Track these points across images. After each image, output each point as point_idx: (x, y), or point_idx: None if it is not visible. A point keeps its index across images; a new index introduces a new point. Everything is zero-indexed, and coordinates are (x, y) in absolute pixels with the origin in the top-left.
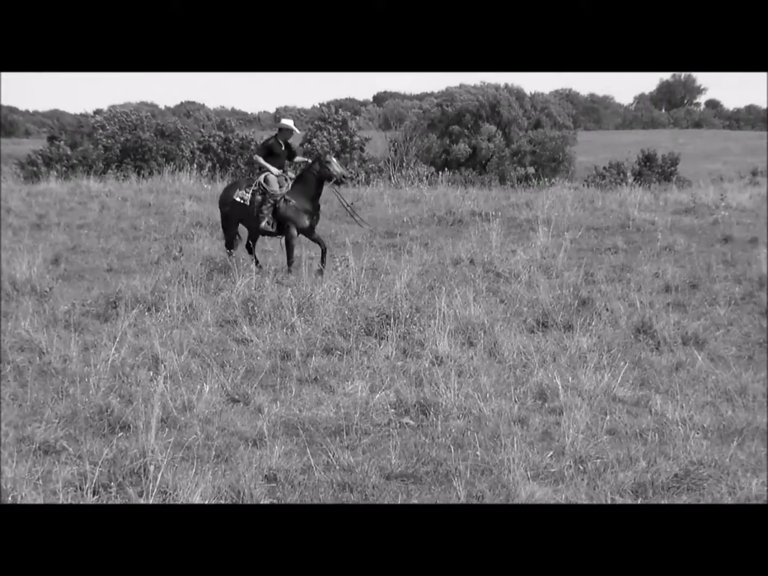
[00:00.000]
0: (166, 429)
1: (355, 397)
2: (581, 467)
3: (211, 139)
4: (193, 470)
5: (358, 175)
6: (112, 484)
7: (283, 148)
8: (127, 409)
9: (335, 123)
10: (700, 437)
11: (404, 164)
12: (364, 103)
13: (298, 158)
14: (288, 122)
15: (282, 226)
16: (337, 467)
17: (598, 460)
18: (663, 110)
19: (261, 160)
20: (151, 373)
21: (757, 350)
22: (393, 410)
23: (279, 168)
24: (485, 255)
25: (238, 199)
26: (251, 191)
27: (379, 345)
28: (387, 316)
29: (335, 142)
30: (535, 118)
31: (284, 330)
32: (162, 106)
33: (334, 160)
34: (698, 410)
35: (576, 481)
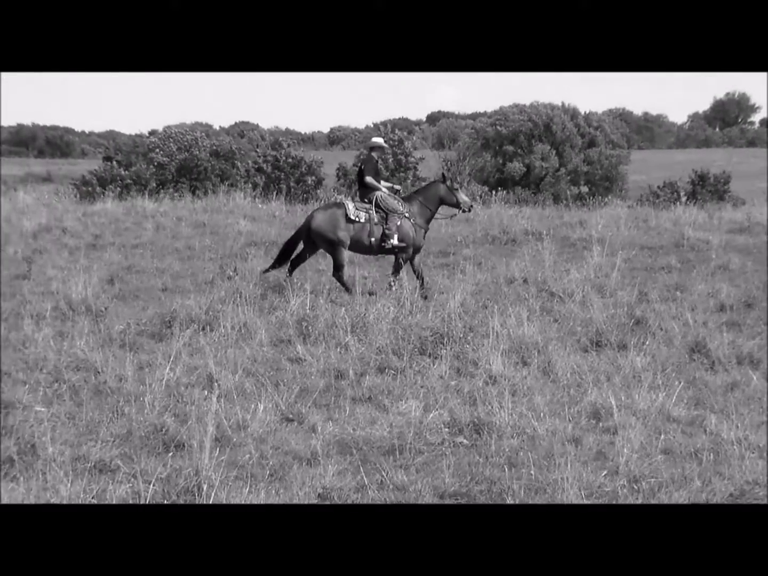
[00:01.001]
0: (221, 448)
1: (409, 417)
2: (635, 486)
3: (261, 160)
4: (247, 489)
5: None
6: (166, 502)
7: (380, 165)
8: (182, 428)
9: (391, 143)
10: (755, 457)
11: (459, 184)
12: (418, 123)
13: (396, 186)
14: (380, 140)
15: (385, 241)
16: (391, 486)
17: (653, 480)
18: (717, 129)
19: (374, 181)
20: (206, 392)
21: None
22: (447, 429)
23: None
24: (539, 274)
25: (353, 217)
26: (366, 210)
27: (433, 364)
28: (440, 336)
29: (390, 161)
30: (589, 137)
31: (338, 349)
32: (216, 127)
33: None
34: (753, 430)
35: (630, 500)
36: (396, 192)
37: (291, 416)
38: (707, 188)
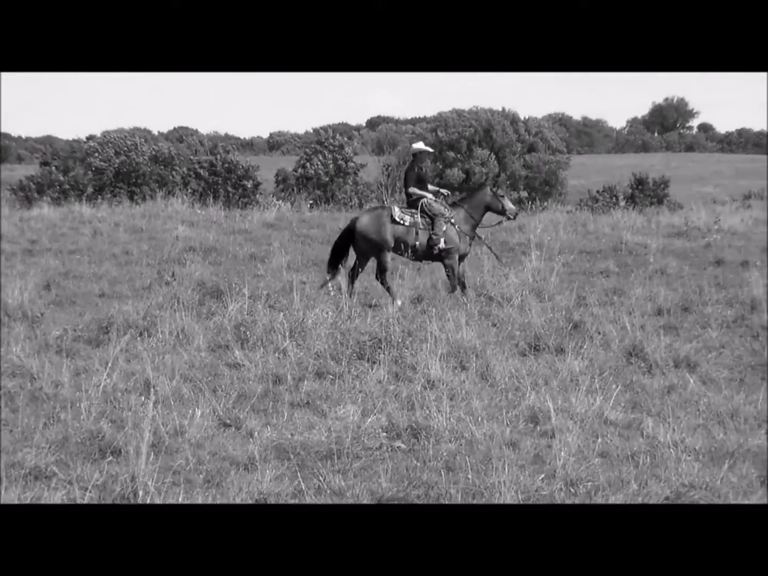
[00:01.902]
0: (157, 454)
1: (347, 421)
2: (572, 490)
3: (197, 165)
4: (183, 494)
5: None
6: None
7: (424, 170)
8: (118, 434)
9: (331, 147)
10: (691, 460)
11: (398, 189)
12: (358, 128)
13: (442, 191)
14: (420, 145)
15: (432, 246)
16: (328, 491)
17: (590, 483)
18: (655, 134)
19: (417, 190)
20: (143, 398)
21: (749, 373)
22: (384, 434)
23: (426, 191)
24: (477, 278)
25: (398, 219)
26: (412, 214)
27: (371, 369)
28: (379, 340)
29: (330, 166)
30: (529, 143)
31: (276, 354)
32: (155, 132)
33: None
34: (690, 433)
35: (567, 504)
36: (444, 197)
37: (228, 422)
38: (646, 193)
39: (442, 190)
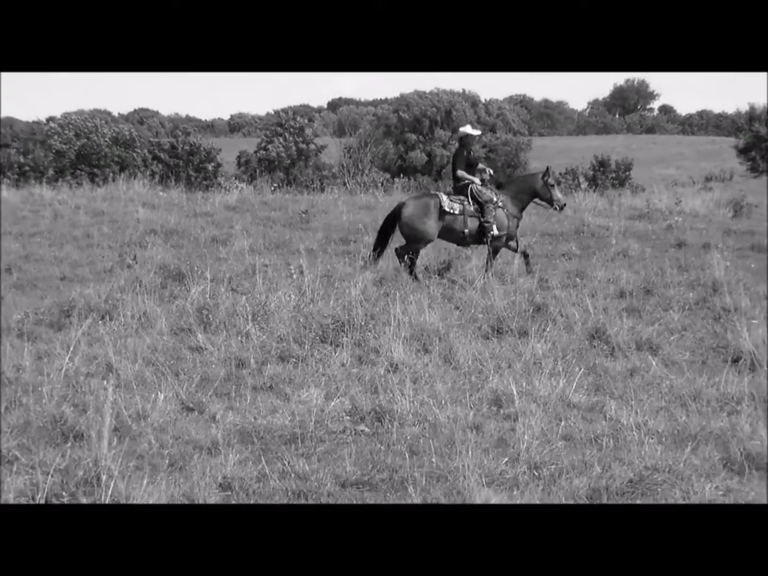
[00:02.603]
0: (120, 438)
1: (310, 405)
2: (536, 473)
3: (158, 148)
4: (146, 479)
5: (312, 182)
6: (65, 493)
7: (473, 154)
8: (81, 418)
9: (292, 130)
10: (654, 442)
11: (359, 171)
12: (319, 110)
13: (480, 166)
14: (467, 128)
15: (485, 233)
16: (292, 475)
17: (553, 466)
18: (617, 116)
19: (465, 174)
20: (105, 382)
21: (711, 355)
22: (348, 417)
23: (473, 175)
24: (440, 261)
25: (447, 209)
26: (461, 201)
27: (334, 352)
28: (342, 324)
29: (292, 149)
30: (490, 124)
31: (239, 338)
32: (115, 114)
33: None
34: (652, 415)
35: (531, 487)
36: (489, 177)
37: (191, 405)
38: (608, 175)
39: (487, 169)
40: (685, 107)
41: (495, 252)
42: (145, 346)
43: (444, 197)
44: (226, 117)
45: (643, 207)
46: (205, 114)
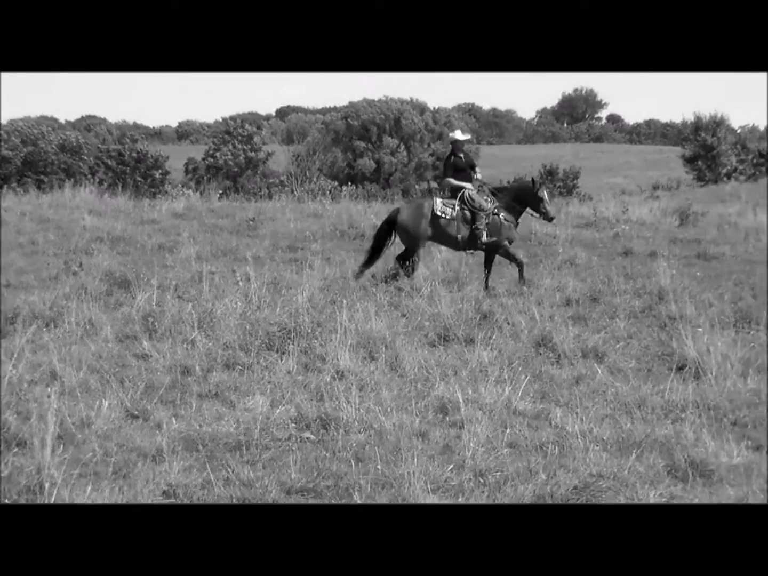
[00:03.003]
0: (64, 445)
1: (256, 412)
2: (481, 480)
3: (105, 155)
4: (90, 486)
5: (261, 190)
6: (7, 501)
7: (463, 159)
8: (24, 426)
9: (240, 137)
10: (599, 450)
11: (307, 179)
12: (267, 118)
13: (478, 170)
14: (456, 134)
15: (477, 239)
16: (237, 482)
17: (498, 473)
18: (565, 124)
19: (453, 181)
20: (49, 389)
21: (656, 363)
22: (294, 425)
23: (467, 181)
24: (387, 269)
25: (439, 212)
26: (454, 207)
27: (281, 360)
28: (288, 331)
29: (241, 157)
30: (438, 132)
31: (185, 345)
32: (62, 120)
33: (547, 196)
34: (598, 423)
35: (476, 494)
36: (482, 185)
37: (136, 413)
38: (556, 183)
39: (477, 176)
40: (632, 116)
41: (507, 255)
42: (90, 354)
43: (438, 201)
44: (174, 124)
45: (590, 215)
46: (153, 121)
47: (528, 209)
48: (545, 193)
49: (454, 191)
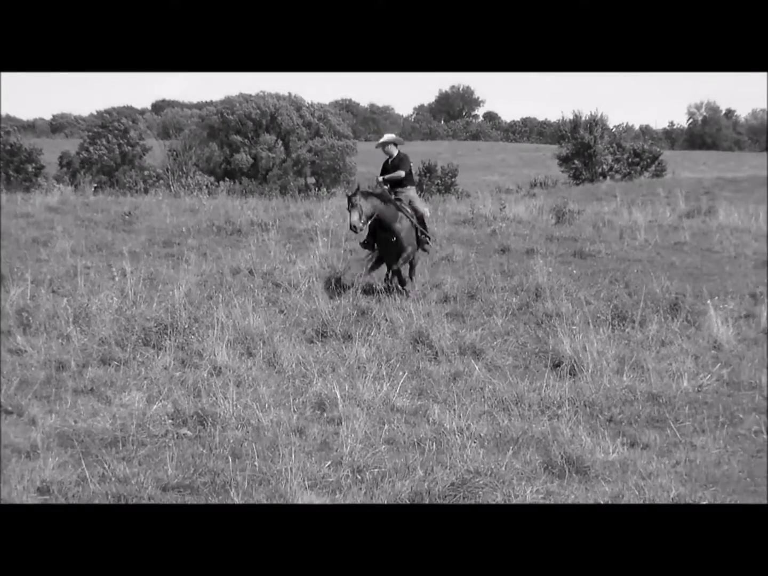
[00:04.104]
0: None
1: (132, 408)
2: (359, 476)
3: None
4: None
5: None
6: None
7: (390, 162)
8: None
9: (116, 132)
10: (476, 446)
11: (184, 174)
12: (142, 112)
13: (399, 172)
14: (382, 138)
15: None
16: (113, 479)
17: (376, 470)
18: (442, 122)
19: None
20: None
21: (533, 360)
22: (170, 421)
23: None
24: (264, 265)
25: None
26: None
27: (157, 355)
28: (165, 327)
29: (116, 151)
30: (315, 128)
31: (59, 340)
32: None
33: (360, 205)
34: (475, 419)
35: (353, 490)
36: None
37: (10, 408)
38: (434, 180)
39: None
40: (509, 114)
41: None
42: None
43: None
44: (48, 117)
45: (467, 213)
46: (26, 114)
47: None
48: (359, 201)
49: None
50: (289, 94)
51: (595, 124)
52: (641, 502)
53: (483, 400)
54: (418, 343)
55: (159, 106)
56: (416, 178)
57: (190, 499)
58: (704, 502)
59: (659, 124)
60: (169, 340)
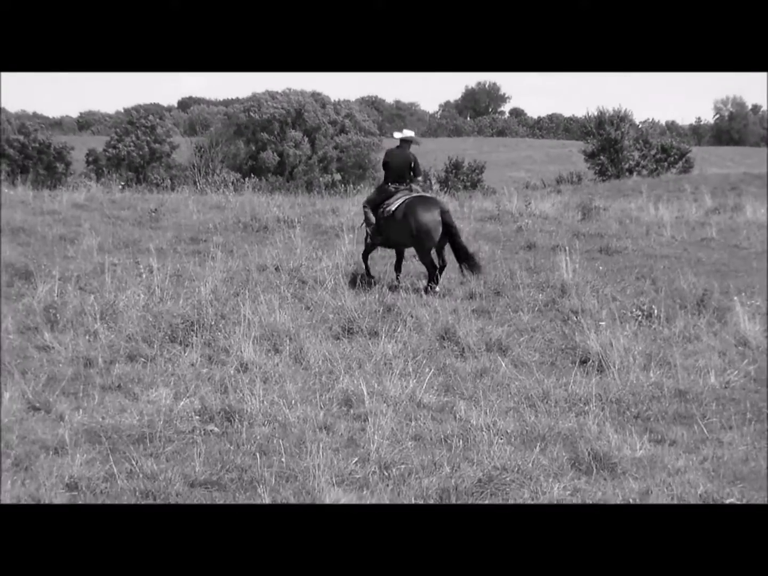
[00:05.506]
0: None
1: (159, 405)
2: (386, 473)
3: (7, 145)
4: None
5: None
6: None
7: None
8: None
9: (144, 128)
10: (503, 443)
11: (210, 170)
12: (169, 109)
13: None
14: (397, 134)
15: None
16: (141, 475)
17: (403, 466)
18: (468, 118)
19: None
20: None
21: (560, 356)
22: (197, 417)
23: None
24: (291, 262)
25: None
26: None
27: (184, 352)
28: (192, 323)
29: (145, 148)
30: (340, 125)
31: (87, 337)
32: None
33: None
34: (502, 416)
35: (380, 487)
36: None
37: (38, 405)
38: (460, 177)
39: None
40: (535, 110)
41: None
42: None
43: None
44: (75, 114)
45: (493, 209)
46: (52, 111)
47: None
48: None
49: None
50: (314, 91)
51: (620, 120)
52: (669, 498)
53: (509, 396)
54: (444, 339)
55: (185, 103)
56: (442, 174)
57: (217, 495)
58: (732, 499)
59: (685, 120)
60: (196, 336)
